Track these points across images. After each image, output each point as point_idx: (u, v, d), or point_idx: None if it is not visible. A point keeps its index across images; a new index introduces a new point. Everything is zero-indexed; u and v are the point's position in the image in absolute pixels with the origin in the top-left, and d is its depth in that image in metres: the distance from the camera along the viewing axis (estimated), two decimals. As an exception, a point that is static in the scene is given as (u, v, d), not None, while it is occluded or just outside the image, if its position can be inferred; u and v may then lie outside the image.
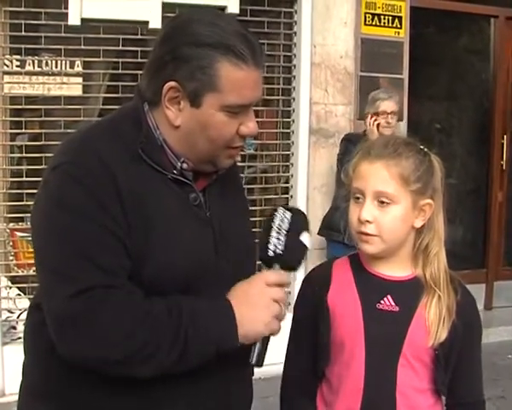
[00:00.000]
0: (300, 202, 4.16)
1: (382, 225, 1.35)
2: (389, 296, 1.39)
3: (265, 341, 1.19)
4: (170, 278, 1.19)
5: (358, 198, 1.37)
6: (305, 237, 1.25)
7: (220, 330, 1.17)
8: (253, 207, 4.03)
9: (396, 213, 1.35)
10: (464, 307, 1.40)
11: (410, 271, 1.42)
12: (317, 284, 1.44)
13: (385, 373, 1.36)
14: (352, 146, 3.70)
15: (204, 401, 1.24)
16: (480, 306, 5.49)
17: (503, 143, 5.34)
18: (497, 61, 5.36)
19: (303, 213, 1.32)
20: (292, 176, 4.30)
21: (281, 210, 1.26)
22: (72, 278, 1.14)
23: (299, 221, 1.27)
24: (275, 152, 4.41)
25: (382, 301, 1.39)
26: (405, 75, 4.54)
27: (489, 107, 5.46)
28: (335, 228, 3.76)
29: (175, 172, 1.26)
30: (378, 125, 3.77)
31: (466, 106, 5.72)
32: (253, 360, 1.18)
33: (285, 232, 1.23)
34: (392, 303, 1.38)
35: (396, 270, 1.40)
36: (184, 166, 1.27)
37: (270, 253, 1.22)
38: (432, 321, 1.36)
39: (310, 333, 1.41)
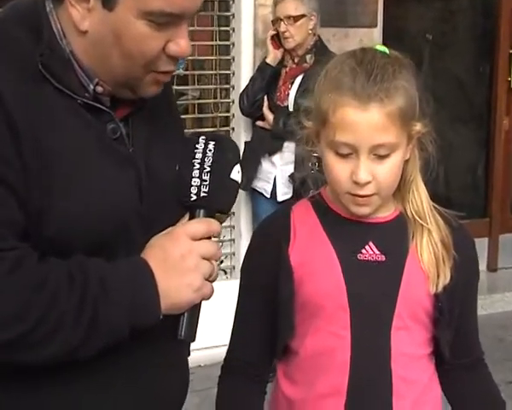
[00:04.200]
0: (244, 136, 4.36)
1: (382, 181, 1.43)
2: (371, 243, 1.48)
3: (195, 309, 1.24)
4: (79, 234, 1.24)
5: (347, 154, 1.42)
6: (235, 172, 1.30)
7: (138, 300, 1.23)
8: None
9: (396, 161, 1.44)
10: (462, 244, 1.52)
11: (392, 209, 1.52)
12: (272, 239, 1.51)
13: (376, 340, 1.46)
14: (257, 74, 4.12)
15: (123, 389, 1.32)
16: (482, 266, 5.79)
17: (511, 54, 5.53)
18: None
19: (231, 140, 1.38)
20: (233, 102, 4.43)
21: (202, 141, 1.30)
22: None
23: (226, 152, 1.31)
24: (211, 72, 4.54)
25: (364, 251, 1.47)
26: (379, -34, 4.73)
27: (493, 7, 5.63)
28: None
29: (87, 95, 1.29)
30: (277, 37, 4.04)
31: (463, 7, 5.87)
32: (182, 335, 1.25)
33: (209, 169, 1.28)
34: (377, 251, 1.47)
35: (375, 210, 1.49)
36: (98, 89, 1.30)
37: (193, 197, 1.27)
38: (428, 263, 1.47)
39: (264, 303, 1.51)
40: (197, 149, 1.29)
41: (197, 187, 1.27)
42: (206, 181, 1.27)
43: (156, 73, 1.30)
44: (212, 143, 1.29)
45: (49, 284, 1.20)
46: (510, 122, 5.67)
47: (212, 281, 1.25)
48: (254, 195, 4.29)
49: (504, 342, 5.07)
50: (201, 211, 1.28)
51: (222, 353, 1.61)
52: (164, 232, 1.27)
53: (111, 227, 1.27)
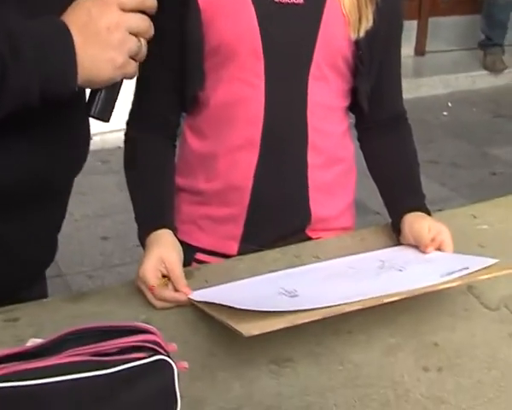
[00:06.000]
0: None
1: None
2: None
3: (115, 88, 1.20)
4: None
5: None
6: None
7: (52, 63, 1.16)
8: None
9: None
10: None
11: None
12: None
13: (292, 90, 1.43)
14: None
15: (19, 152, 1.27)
16: (410, 50, 5.80)
17: None
18: None
19: None
20: None
21: None
22: None
23: None
24: None
25: None
26: None
27: None
28: None
29: None
30: None
31: None
32: (96, 112, 1.19)
33: None
34: None
35: None
36: None
37: None
38: (349, 6, 1.41)
39: (171, 49, 1.43)
40: None
41: None
42: None
43: None
44: None
45: None
46: None
47: (137, 60, 1.18)
48: None
49: (428, 125, 5.19)
50: None
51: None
52: None
53: None
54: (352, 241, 1.50)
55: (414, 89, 5.30)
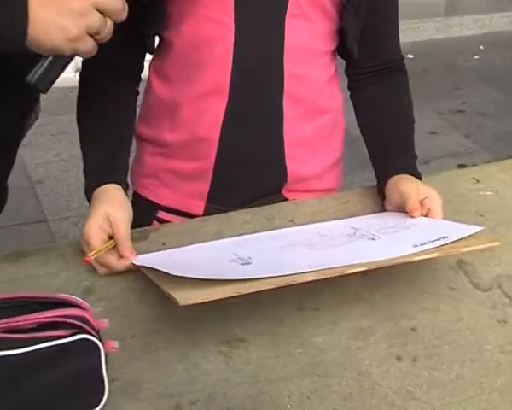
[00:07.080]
0: None
1: None
2: None
3: (61, 61, 1.14)
4: None
5: None
6: None
7: (2, 13, 1.09)
8: None
9: None
10: None
11: None
12: None
13: (265, 30, 1.34)
14: None
15: None
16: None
17: None
18: None
19: None
20: None
21: None
22: None
23: None
24: None
25: None
26: None
27: None
28: None
29: None
30: None
31: None
32: (34, 79, 1.14)
33: None
34: None
35: None
36: None
37: None
38: None
39: None
40: None
41: None
42: None
43: None
44: None
45: None
46: None
47: (98, 40, 1.12)
48: None
49: (457, 69, 5.04)
50: None
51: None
52: None
53: None
54: (334, 204, 1.39)
55: (444, 29, 5.12)
